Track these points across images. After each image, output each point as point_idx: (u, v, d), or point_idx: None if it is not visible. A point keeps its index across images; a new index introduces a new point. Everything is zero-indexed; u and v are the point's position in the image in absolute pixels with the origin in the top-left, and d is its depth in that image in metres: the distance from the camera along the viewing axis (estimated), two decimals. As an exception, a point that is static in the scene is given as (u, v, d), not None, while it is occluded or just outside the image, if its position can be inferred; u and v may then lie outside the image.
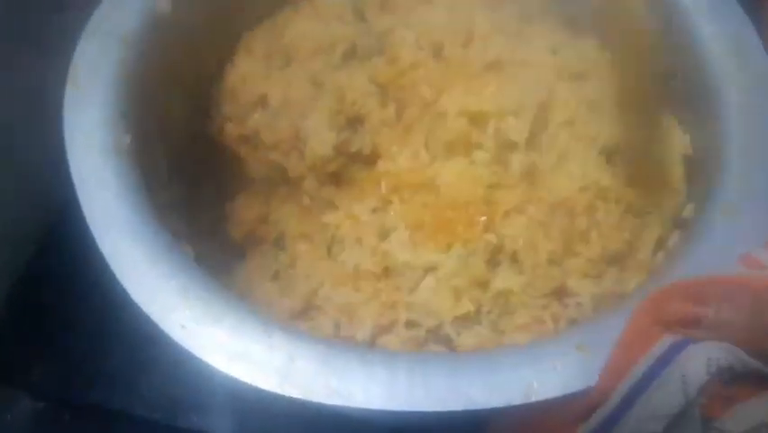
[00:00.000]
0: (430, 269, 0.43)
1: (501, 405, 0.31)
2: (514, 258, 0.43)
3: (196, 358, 0.33)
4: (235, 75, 0.49)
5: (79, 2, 0.46)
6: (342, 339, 0.42)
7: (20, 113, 0.51)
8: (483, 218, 0.43)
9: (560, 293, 0.42)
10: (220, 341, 0.33)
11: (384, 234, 0.44)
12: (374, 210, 0.45)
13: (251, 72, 0.49)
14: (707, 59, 0.44)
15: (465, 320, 0.41)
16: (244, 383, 0.32)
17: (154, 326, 0.33)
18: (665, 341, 0.32)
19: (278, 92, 0.47)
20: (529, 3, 0.52)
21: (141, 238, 0.35)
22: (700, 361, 0.31)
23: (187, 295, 0.34)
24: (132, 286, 0.34)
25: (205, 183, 0.51)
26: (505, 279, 0.42)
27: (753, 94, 0.42)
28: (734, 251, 0.35)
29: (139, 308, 0.34)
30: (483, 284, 0.42)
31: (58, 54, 0.46)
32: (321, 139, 0.45)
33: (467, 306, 0.41)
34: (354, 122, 0.47)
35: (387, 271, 0.43)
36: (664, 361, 0.32)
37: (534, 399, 0.31)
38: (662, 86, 0.47)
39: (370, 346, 0.41)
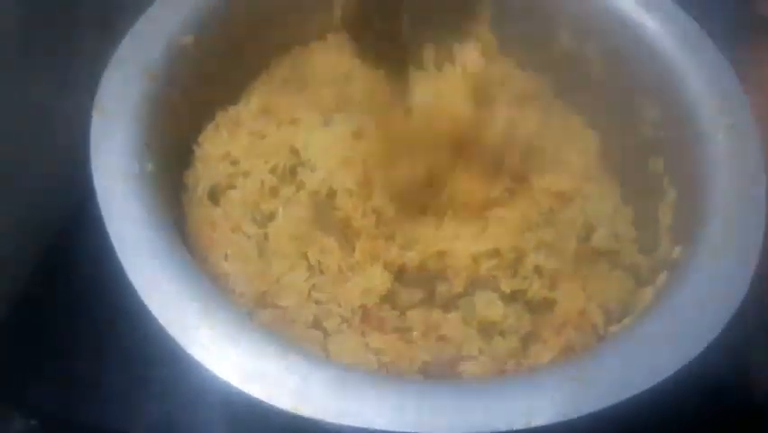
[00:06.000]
0: None
1: (503, 429, 0.33)
2: None
3: (214, 376, 0.34)
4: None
5: (93, 21, 0.50)
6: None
7: (30, 124, 0.52)
8: None
9: None
10: (237, 360, 0.34)
11: None
12: None
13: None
14: (692, 107, 0.47)
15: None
16: (258, 402, 0.34)
17: (174, 344, 0.35)
18: None
19: None
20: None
21: (166, 261, 0.37)
22: None
23: (207, 316, 0.35)
24: (155, 306, 0.35)
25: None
26: None
27: (736, 140, 0.45)
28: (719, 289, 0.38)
29: (154, 327, 0.35)
30: None
31: (70, 69, 0.48)
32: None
33: None
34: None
35: None
36: None
37: (533, 424, 0.33)
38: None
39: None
